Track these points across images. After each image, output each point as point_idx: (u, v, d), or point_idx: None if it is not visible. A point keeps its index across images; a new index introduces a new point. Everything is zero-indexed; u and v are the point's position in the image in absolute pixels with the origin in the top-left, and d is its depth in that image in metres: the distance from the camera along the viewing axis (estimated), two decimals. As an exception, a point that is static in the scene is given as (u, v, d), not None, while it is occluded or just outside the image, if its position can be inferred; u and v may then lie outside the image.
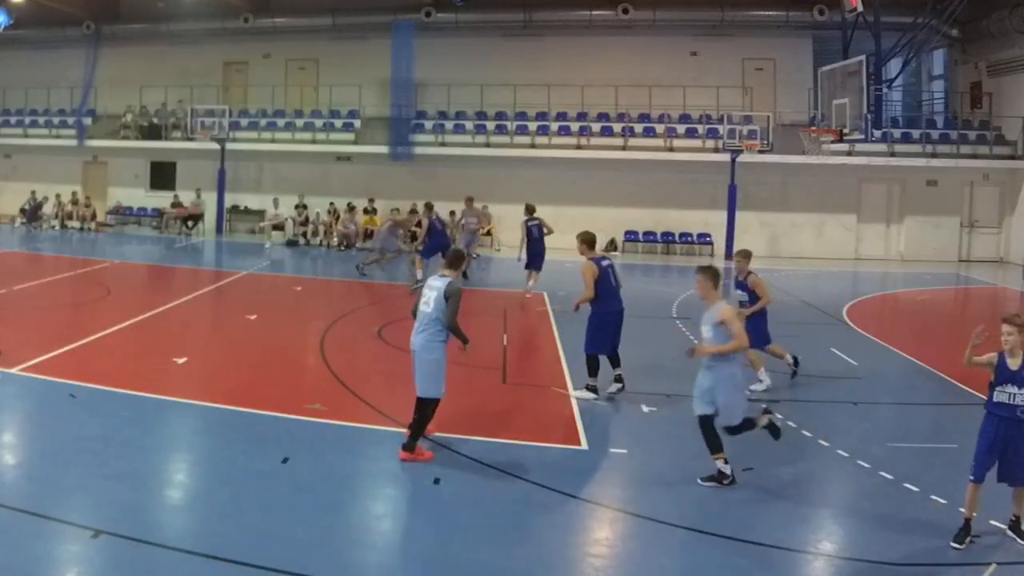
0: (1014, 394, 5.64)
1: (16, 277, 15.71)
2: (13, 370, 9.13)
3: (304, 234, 24.52)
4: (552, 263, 18.92)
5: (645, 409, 8.83)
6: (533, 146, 24.82)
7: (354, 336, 12.27)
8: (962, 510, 5.84)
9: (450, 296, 6.90)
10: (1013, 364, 5.69)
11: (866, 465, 7.21)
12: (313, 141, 26.02)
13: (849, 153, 23.15)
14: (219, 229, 25.94)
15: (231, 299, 15.87)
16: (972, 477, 5.76)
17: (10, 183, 27.75)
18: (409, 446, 7.01)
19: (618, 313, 9.26)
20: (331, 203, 24.75)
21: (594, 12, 25.08)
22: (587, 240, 9.32)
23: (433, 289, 6.98)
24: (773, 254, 24.07)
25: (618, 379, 9.29)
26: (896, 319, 16.33)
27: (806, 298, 16.89)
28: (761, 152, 23.11)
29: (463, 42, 25.72)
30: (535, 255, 15.68)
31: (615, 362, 9.35)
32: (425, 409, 7.05)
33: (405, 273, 20.18)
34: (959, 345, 6.17)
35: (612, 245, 24.51)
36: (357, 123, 26.18)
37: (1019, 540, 5.72)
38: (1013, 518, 5.84)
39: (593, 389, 9.13)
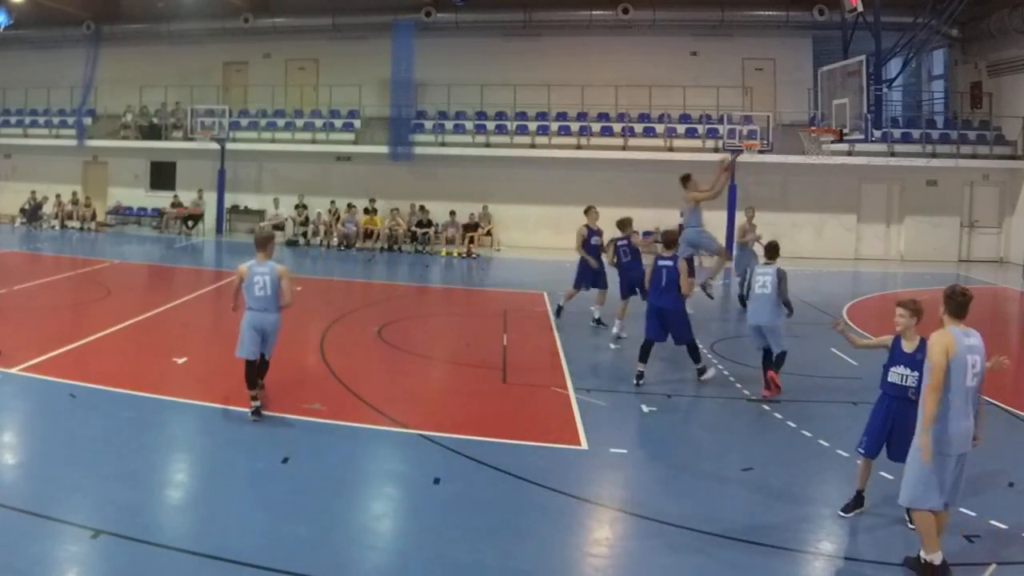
0: (906, 375, 5.92)
1: (16, 277, 15.71)
2: (13, 370, 9.14)
3: (304, 234, 24.52)
4: (552, 263, 18.97)
5: (645, 409, 8.84)
6: (533, 146, 24.80)
7: (354, 336, 12.27)
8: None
9: (781, 278, 9.35)
10: (908, 347, 5.96)
11: (866, 465, 7.20)
12: (313, 141, 26.00)
13: (849, 153, 23.13)
14: (219, 229, 25.92)
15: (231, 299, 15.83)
16: (863, 452, 6.18)
17: (10, 183, 27.71)
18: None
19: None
20: (331, 203, 24.76)
21: (594, 12, 25.05)
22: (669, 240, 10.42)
23: (767, 275, 9.43)
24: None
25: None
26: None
27: (806, 298, 16.86)
28: (761, 152, 23.10)
29: (463, 42, 25.70)
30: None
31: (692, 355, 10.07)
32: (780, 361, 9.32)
33: (405, 273, 20.21)
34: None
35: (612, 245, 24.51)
36: (357, 123, 26.16)
37: (910, 523, 5.81)
38: None
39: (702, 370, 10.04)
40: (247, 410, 8.13)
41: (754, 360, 11.10)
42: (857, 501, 6.21)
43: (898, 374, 5.98)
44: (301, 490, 6.42)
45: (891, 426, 5.98)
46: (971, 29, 23.94)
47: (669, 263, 9.84)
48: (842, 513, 6.17)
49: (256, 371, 8.20)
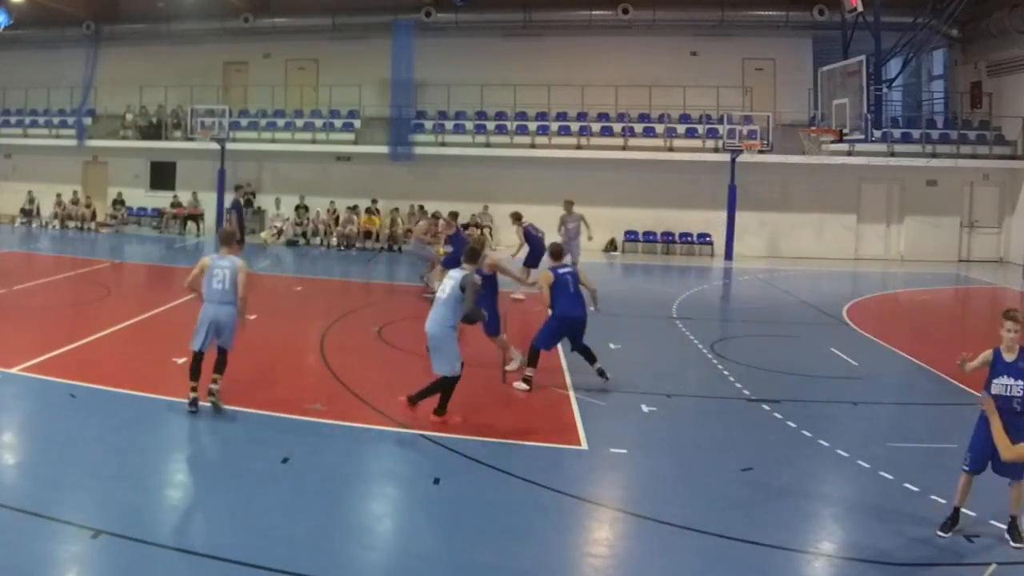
0: (1010, 385, 5.75)
1: (16, 277, 15.70)
2: (13, 370, 9.13)
3: (304, 234, 24.52)
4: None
5: (645, 409, 8.83)
6: (533, 146, 24.80)
7: (354, 336, 12.27)
8: (963, 510, 5.84)
9: (465, 287, 7.81)
10: (1009, 357, 5.83)
11: (866, 465, 7.20)
12: (313, 141, 26.00)
13: (849, 153, 23.14)
14: (219, 229, 25.93)
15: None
16: (967, 468, 5.90)
17: (10, 183, 27.72)
18: (440, 411, 8.01)
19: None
20: (331, 203, 24.76)
21: (594, 12, 25.05)
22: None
23: (451, 279, 7.97)
24: (773, 254, 24.07)
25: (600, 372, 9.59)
26: (896, 319, 16.32)
27: (806, 298, 16.89)
28: (761, 152, 23.11)
29: (463, 42, 25.70)
30: None
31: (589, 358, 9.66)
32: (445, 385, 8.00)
33: (405, 273, 20.19)
34: (959, 345, 6.19)
35: (612, 245, 24.55)
36: (357, 123, 26.17)
37: (1012, 543, 5.69)
38: (1011, 518, 5.84)
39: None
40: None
41: (755, 360, 11.14)
42: (954, 518, 5.92)
43: (1003, 384, 5.77)
44: (301, 490, 6.42)
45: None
46: (971, 29, 23.95)
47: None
48: (940, 533, 5.85)
49: (201, 363, 8.11)
